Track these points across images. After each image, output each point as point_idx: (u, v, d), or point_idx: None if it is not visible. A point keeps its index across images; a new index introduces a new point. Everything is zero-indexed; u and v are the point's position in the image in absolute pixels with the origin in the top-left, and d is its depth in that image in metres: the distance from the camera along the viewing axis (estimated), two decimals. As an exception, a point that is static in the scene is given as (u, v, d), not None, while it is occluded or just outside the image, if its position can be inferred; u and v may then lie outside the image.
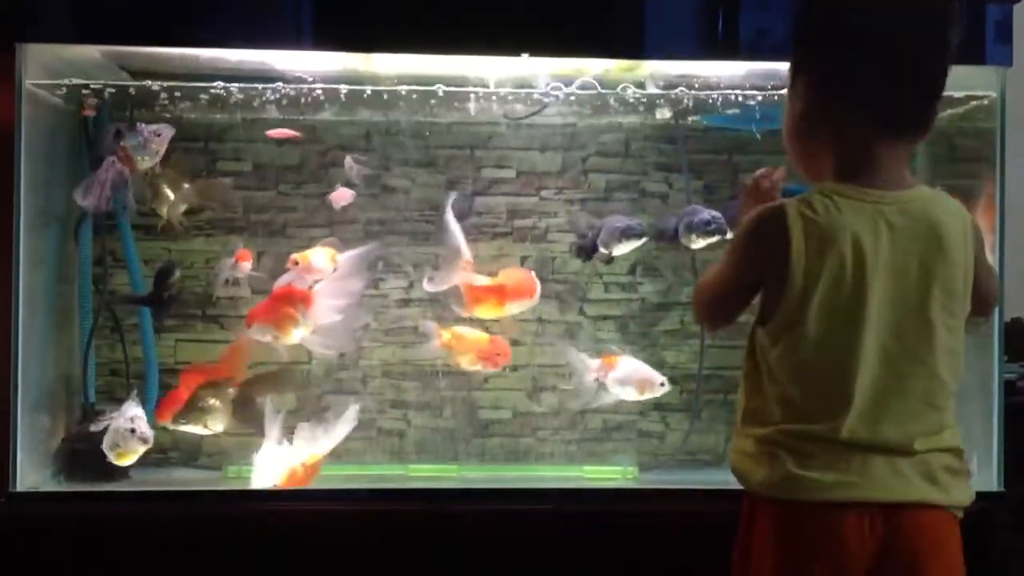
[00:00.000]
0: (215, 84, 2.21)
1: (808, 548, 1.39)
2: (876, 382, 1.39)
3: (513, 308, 2.28)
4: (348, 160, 2.29)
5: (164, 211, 2.25)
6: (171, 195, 2.23)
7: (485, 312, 2.27)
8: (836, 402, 1.39)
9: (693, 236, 2.22)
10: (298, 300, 2.18)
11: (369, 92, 2.24)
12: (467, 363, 2.28)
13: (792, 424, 1.41)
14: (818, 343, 1.40)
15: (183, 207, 2.26)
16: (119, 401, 2.29)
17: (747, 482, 1.46)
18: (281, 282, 2.20)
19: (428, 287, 2.27)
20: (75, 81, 2.21)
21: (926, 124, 1.45)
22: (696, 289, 1.62)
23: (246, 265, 2.26)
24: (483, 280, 2.27)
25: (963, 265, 1.42)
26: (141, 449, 2.08)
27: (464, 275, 2.25)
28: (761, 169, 1.62)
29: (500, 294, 2.27)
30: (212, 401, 2.20)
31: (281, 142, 2.38)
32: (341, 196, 2.30)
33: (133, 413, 2.10)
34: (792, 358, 1.42)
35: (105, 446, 2.07)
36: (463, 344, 2.28)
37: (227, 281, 2.25)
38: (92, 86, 2.22)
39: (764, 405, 1.45)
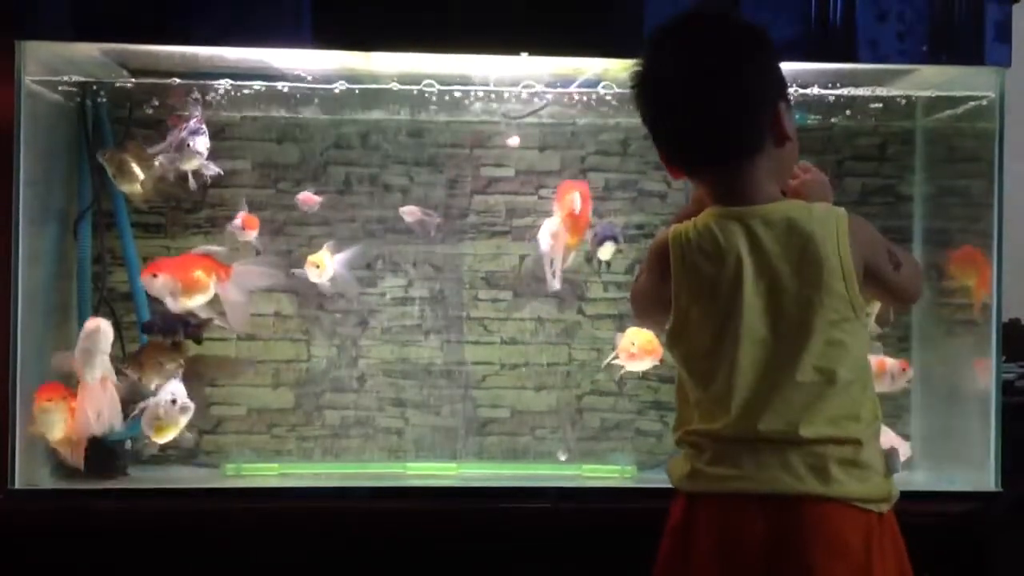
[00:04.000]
0: (215, 82, 2.21)
1: (706, 536, 1.48)
2: (757, 380, 1.48)
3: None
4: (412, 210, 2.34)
5: (131, 189, 2.22)
6: (140, 173, 2.21)
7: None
8: (724, 402, 1.49)
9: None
10: (213, 270, 2.16)
11: (361, 90, 2.24)
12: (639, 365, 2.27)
13: (697, 424, 1.53)
14: (700, 349, 1.52)
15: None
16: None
17: (671, 479, 1.57)
18: (204, 250, 2.18)
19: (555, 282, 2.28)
20: (74, 78, 2.22)
21: (749, 141, 1.52)
22: (631, 291, 1.74)
23: (252, 233, 2.26)
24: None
25: (836, 264, 1.48)
26: (183, 420, 2.09)
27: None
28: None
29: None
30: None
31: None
32: (307, 200, 2.31)
33: (173, 388, 2.10)
34: (687, 364, 1.55)
35: (144, 424, 2.07)
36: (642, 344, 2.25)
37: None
38: (97, 84, 2.23)
39: (683, 408, 1.58)
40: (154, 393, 2.10)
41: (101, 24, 2.06)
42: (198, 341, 2.22)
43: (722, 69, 1.51)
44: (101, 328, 2.10)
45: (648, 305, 1.66)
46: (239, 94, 2.25)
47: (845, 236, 1.49)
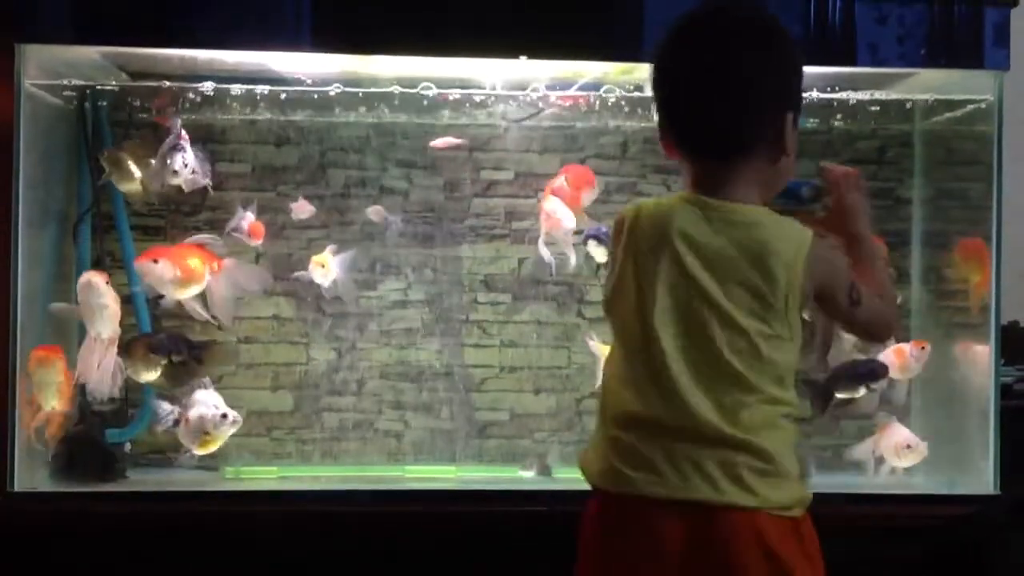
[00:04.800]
0: (215, 85, 2.21)
1: (623, 538, 1.46)
2: (684, 373, 1.45)
3: (585, 199, 2.30)
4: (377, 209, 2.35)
5: (130, 188, 2.22)
6: (138, 172, 2.20)
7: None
8: (644, 402, 1.47)
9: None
10: (207, 260, 2.16)
11: (364, 93, 2.24)
12: None
13: (617, 421, 1.50)
14: (631, 322, 1.49)
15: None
16: (114, 401, 2.31)
17: (587, 475, 1.53)
18: (199, 240, 2.18)
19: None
20: (74, 82, 2.22)
21: (752, 142, 1.52)
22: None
23: (257, 241, 2.27)
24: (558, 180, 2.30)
25: (784, 280, 1.46)
26: (230, 432, 2.11)
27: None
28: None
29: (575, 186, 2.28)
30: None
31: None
32: (301, 208, 2.32)
33: (213, 400, 2.12)
34: (621, 335, 1.52)
35: (186, 437, 2.09)
36: None
37: (234, 230, 2.25)
38: (97, 87, 2.24)
39: (604, 403, 1.55)
40: (182, 404, 2.13)
41: (101, 27, 2.06)
42: (200, 362, 2.21)
43: (742, 66, 1.50)
44: (91, 282, 2.09)
45: (610, 285, 1.64)
46: (238, 97, 2.26)
47: (802, 261, 1.47)
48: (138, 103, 2.28)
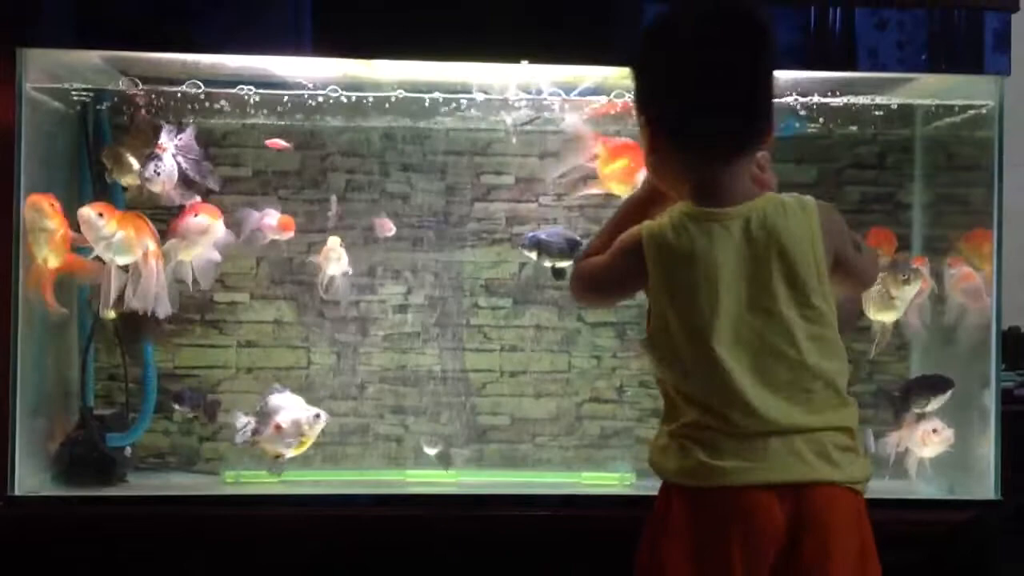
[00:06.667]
0: (216, 89, 2.22)
1: (720, 528, 1.48)
2: (748, 378, 1.49)
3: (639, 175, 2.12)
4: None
5: (131, 182, 2.20)
6: (136, 165, 2.18)
7: (618, 178, 2.18)
8: (719, 400, 1.50)
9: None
10: (212, 214, 2.15)
11: (361, 97, 2.24)
12: None
13: (695, 418, 1.52)
14: (686, 353, 1.52)
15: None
16: (115, 405, 2.32)
17: (664, 472, 1.56)
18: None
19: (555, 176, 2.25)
20: (75, 85, 2.22)
21: (757, 139, 1.56)
22: (580, 266, 1.73)
23: (288, 234, 2.25)
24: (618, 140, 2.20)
25: (811, 259, 1.52)
26: (320, 429, 2.15)
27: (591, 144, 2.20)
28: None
29: (635, 153, 2.13)
30: None
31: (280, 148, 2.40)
32: (385, 225, 2.32)
33: (297, 402, 2.16)
34: (672, 366, 1.55)
35: (278, 443, 2.12)
36: None
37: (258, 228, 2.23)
38: (98, 91, 2.23)
39: (672, 402, 1.58)
40: (257, 413, 2.15)
41: (102, 31, 2.06)
42: (212, 419, 2.28)
43: (753, 69, 1.54)
44: (81, 215, 2.04)
45: (608, 288, 1.70)
46: (239, 101, 2.26)
47: (818, 230, 1.53)
48: (147, 106, 2.28)
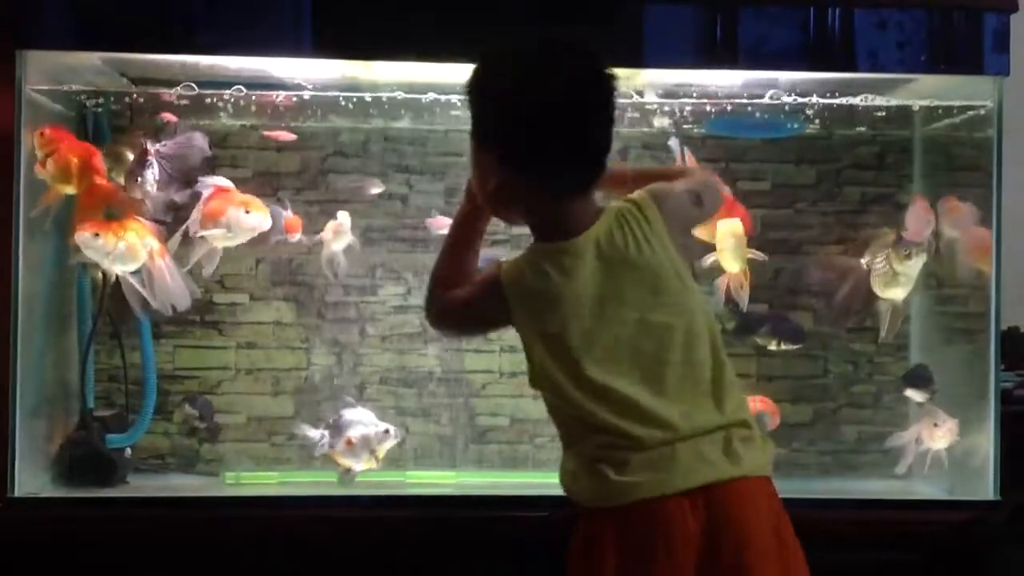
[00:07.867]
0: (215, 91, 2.22)
1: (643, 542, 1.49)
2: (641, 393, 1.52)
3: None
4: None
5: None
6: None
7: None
8: (616, 420, 1.51)
9: None
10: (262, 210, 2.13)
11: (361, 98, 2.25)
12: None
13: (598, 440, 1.53)
14: (569, 386, 1.54)
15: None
16: (115, 406, 2.32)
17: (579, 498, 1.57)
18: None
19: None
20: (75, 87, 2.22)
21: (600, 175, 1.60)
22: (441, 301, 1.72)
23: (296, 235, 2.23)
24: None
25: (664, 256, 1.56)
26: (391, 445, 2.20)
27: None
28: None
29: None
30: None
31: (280, 148, 2.39)
32: (439, 224, 2.30)
33: (368, 417, 2.21)
34: (563, 397, 1.56)
35: (349, 458, 2.17)
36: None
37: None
38: (98, 92, 2.24)
39: (569, 428, 1.59)
40: (330, 425, 2.19)
41: (102, 33, 2.06)
42: (213, 437, 2.32)
43: (606, 102, 1.57)
44: (79, 241, 2.04)
45: (473, 326, 1.80)
46: (239, 103, 2.26)
47: (661, 225, 1.57)
48: (148, 108, 2.28)
